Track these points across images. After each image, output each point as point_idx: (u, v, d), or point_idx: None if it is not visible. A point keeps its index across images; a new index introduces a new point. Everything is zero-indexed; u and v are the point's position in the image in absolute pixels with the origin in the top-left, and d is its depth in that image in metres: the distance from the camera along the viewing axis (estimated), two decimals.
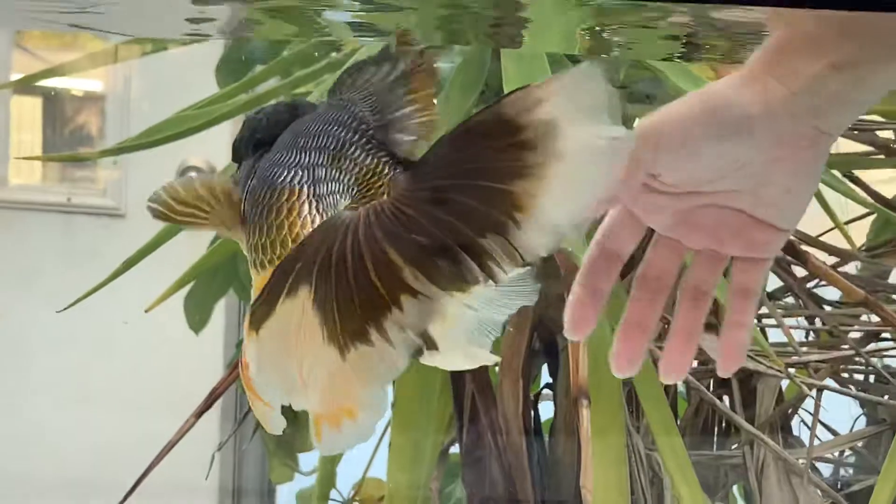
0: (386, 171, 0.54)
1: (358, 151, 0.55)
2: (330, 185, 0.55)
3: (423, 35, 1.01)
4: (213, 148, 1.94)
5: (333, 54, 1.37)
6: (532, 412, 1.32)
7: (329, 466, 1.62)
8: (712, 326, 1.38)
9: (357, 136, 0.56)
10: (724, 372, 0.60)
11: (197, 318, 1.71)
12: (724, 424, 1.45)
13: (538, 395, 1.38)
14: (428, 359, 0.53)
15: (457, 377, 1.27)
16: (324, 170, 0.55)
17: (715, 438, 1.43)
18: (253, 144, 0.58)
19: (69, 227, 2.07)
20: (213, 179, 0.59)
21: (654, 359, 1.28)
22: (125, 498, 1.11)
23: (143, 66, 2.22)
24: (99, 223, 2.05)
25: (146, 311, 1.28)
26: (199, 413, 1.21)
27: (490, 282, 0.49)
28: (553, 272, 1.25)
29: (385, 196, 0.53)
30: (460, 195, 0.49)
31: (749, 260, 0.60)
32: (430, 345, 0.51)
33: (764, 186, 0.58)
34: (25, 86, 2.18)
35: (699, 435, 1.42)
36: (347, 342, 0.50)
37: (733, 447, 1.41)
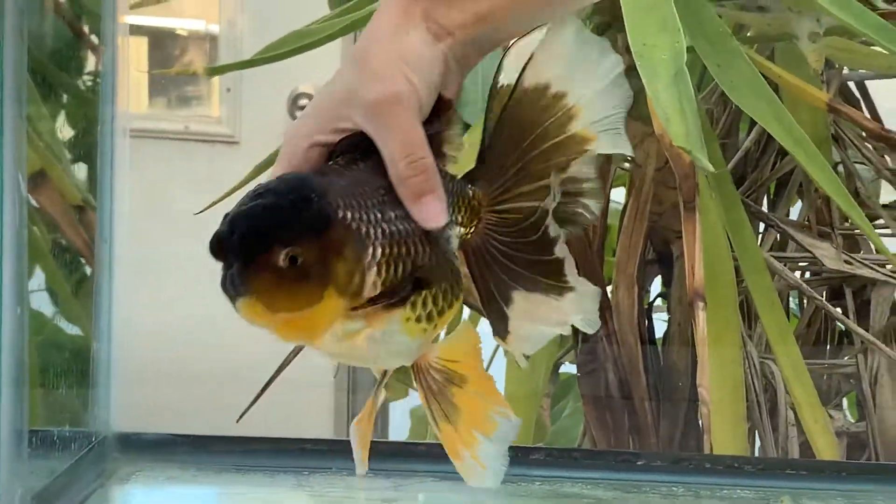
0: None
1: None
2: None
3: None
4: (324, 75, 1.98)
5: None
6: (647, 320, 1.34)
7: None
8: (825, 236, 1.38)
9: None
10: None
11: None
12: (836, 337, 1.45)
13: (651, 305, 1.40)
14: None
15: None
16: None
17: (827, 349, 1.44)
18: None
19: (187, 154, 2.13)
20: None
21: (771, 268, 1.29)
22: (260, 393, 1.17)
23: (250, 5, 2.26)
24: (214, 150, 2.11)
25: None
26: None
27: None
28: (668, 180, 1.27)
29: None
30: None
31: None
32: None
33: None
34: (131, 19, 2.23)
35: (812, 346, 1.43)
36: None
37: (846, 358, 1.42)
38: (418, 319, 0.59)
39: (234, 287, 0.54)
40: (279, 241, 0.54)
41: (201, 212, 1.25)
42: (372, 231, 0.57)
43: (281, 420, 1.76)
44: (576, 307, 0.63)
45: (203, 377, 1.83)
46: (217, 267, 0.56)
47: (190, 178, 2.03)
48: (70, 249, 1.54)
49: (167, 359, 1.86)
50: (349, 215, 0.57)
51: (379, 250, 0.57)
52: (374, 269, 0.57)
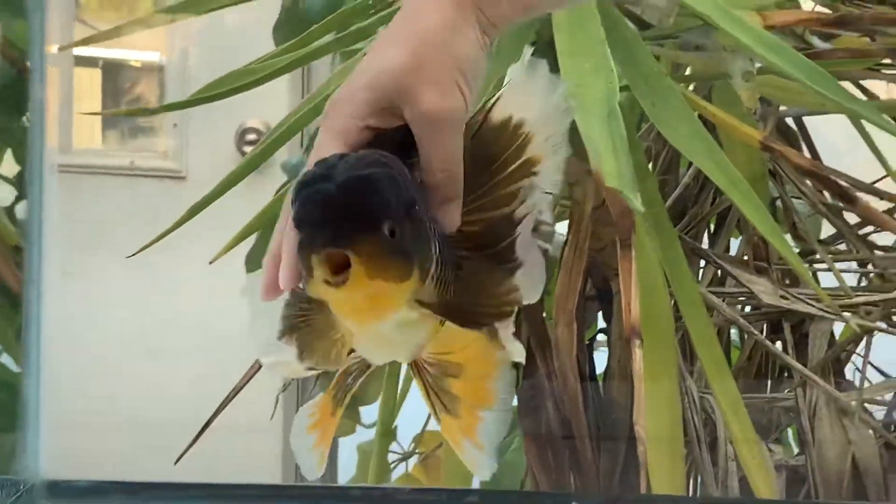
0: None
1: None
2: None
3: None
4: (271, 109, 1.98)
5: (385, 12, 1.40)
6: (587, 356, 1.35)
7: (388, 420, 1.64)
8: (764, 271, 1.39)
9: None
10: None
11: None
12: (776, 370, 1.47)
13: (592, 341, 1.40)
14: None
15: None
16: None
17: (768, 383, 1.45)
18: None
19: (133, 190, 2.12)
20: None
21: (709, 303, 1.30)
22: (198, 435, 1.16)
23: (202, 37, 2.27)
24: (161, 185, 2.10)
25: (210, 263, 1.33)
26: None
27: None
28: (606, 218, 1.28)
29: None
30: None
31: None
32: None
33: None
34: (84, 51, 2.22)
35: (752, 380, 1.44)
36: None
37: (786, 391, 1.43)
38: (440, 322, 0.60)
39: (334, 247, 0.54)
40: (389, 212, 0.55)
41: (134, 255, 1.24)
42: (430, 224, 0.59)
43: (228, 466, 1.74)
44: (526, 279, 0.63)
45: (142, 426, 1.82)
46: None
47: (135, 213, 2.02)
48: (11, 291, 1.52)
49: (103, 402, 1.84)
50: (418, 206, 0.58)
51: (436, 244, 0.59)
52: (434, 261, 0.58)
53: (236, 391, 1.24)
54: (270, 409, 1.67)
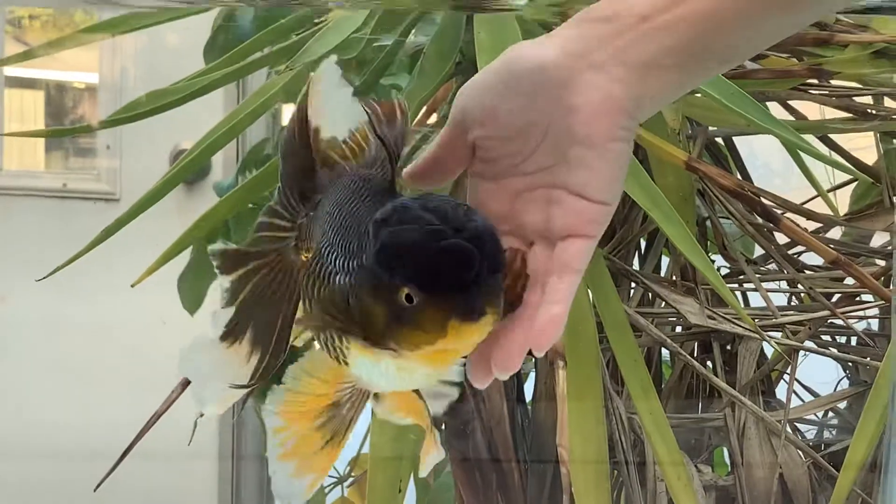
0: None
1: None
2: None
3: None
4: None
5: (315, 28, 1.39)
6: (515, 377, 1.34)
7: None
8: (691, 292, 1.39)
9: None
10: (538, 349, 0.58)
11: (191, 298, 1.74)
12: (707, 389, 1.46)
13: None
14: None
15: None
16: None
17: (699, 402, 1.45)
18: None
19: (65, 212, 2.09)
20: None
21: (632, 322, 1.30)
22: (117, 463, 1.14)
23: (140, 57, 2.25)
24: (94, 208, 2.08)
25: (132, 286, 1.30)
26: (185, 384, 1.23)
27: None
28: None
29: None
30: None
31: (574, 237, 0.59)
32: None
33: (570, 148, 0.58)
34: (26, 73, 2.20)
35: (683, 399, 1.44)
36: None
37: (716, 411, 1.43)
38: None
39: (481, 313, 0.53)
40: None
41: (44, 278, 1.22)
42: None
43: (162, 493, 1.70)
44: None
45: (65, 455, 1.79)
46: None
47: (68, 236, 2.00)
48: None
49: (23, 442, 1.81)
50: None
51: None
52: None
53: (157, 416, 1.22)
54: (206, 433, 1.65)
